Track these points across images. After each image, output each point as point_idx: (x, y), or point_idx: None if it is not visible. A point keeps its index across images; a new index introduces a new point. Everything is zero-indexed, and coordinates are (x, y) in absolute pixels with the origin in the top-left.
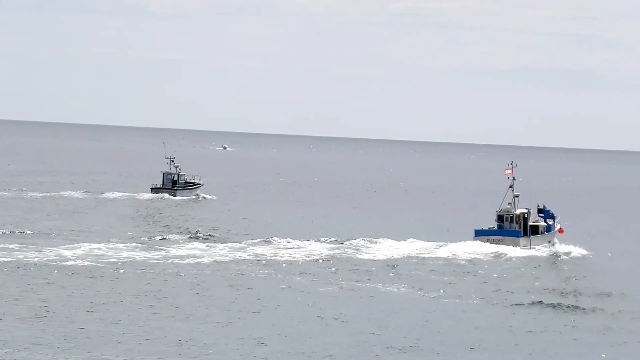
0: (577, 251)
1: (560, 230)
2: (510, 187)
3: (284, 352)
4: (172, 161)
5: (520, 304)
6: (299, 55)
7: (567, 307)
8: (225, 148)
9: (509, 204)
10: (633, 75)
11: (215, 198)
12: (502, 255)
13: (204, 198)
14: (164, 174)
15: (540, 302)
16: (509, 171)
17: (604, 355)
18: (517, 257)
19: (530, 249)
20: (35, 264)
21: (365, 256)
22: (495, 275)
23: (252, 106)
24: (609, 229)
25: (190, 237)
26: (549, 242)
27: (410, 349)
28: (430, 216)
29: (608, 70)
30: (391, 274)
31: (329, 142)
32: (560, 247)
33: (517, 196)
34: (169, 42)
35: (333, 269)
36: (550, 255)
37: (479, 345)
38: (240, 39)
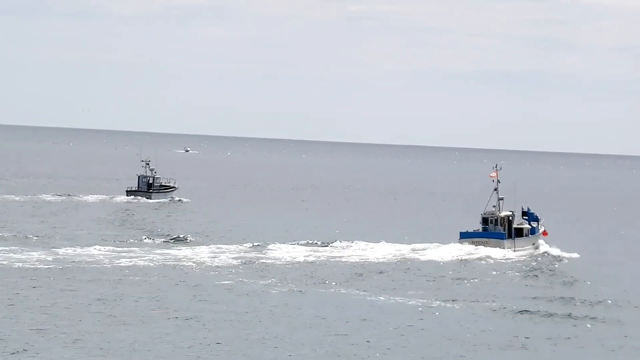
0: (560, 253)
1: (544, 233)
2: (495, 190)
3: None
4: (148, 164)
5: (505, 307)
6: (259, 57)
7: (553, 309)
8: (187, 151)
9: (494, 206)
10: (589, 78)
11: (190, 201)
12: (487, 257)
13: (180, 201)
14: (139, 177)
15: (526, 305)
16: (494, 174)
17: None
18: (502, 259)
19: (515, 251)
20: (15, 268)
21: (348, 259)
22: (481, 278)
23: (212, 109)
24: (585, 230)
25: (169, 240)
26: (533, 244)
27: (395, 354)
28: (412, 219)
29: (565, 73)
30: (374, 277)
31: (291, 144)
32: (545, 249)
33: (502, 199)
34: (129, 44)
35: (313, 272)
36: (534, 257)
37: (462, 349)
38: (199, 41)
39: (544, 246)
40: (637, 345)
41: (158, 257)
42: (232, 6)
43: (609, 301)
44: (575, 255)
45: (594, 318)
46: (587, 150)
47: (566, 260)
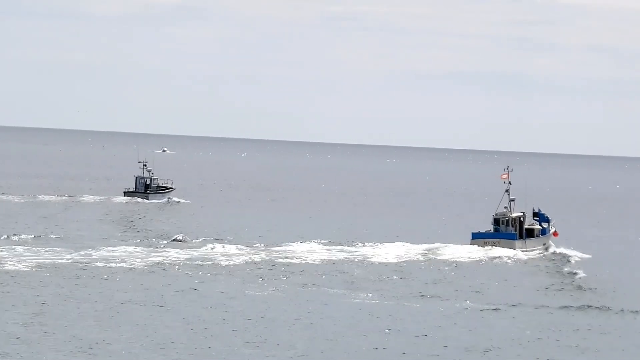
0: (571, 253)
1: (555, 234)
2: (506, 191)
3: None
4: (145, 165)
5: (518, 306)
6: (237, 59)
7: (566, 308)
8: (164, 151)
9: (505, 207)
10: (567, 78)
11: (188, 202)
12: (499, 257)
13: (177, 202)
14: (136, 177)
15: (539, 304)
16: (505, 176)
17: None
18: (513, 260)
19: (526, 251)
20: (18, 269)
21: (362, 259)
22: (494, 279)
23: (189, 110)
24: (593, 232)
25: (172, 241)
26: (544, 244)
27: (406, 354)
28: (422, 219)
29: (544, 74)
30: (389, 277)
31: (270, 145)
32: (555, 250)
33: (513, 200)
34: (106, 45)
35: (318, 272)
36: (545, 257)
37: (475, 349)
38: (177, 41)
39: (554, 247)
40: None
41: (160, 258)
42: (210, 6)
43: (622, 301)
44: (586, 255)
45: (608, 318)
46: (565, 151)
47: (577, 261)
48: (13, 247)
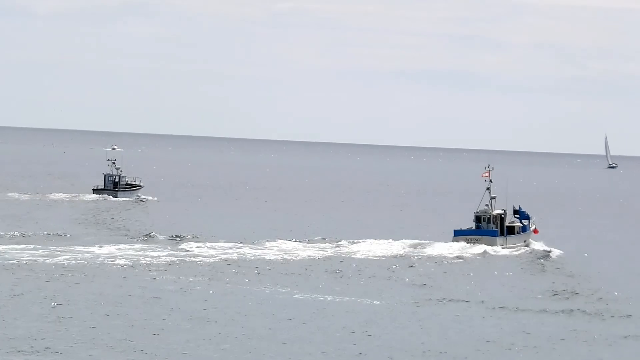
0: (551, 250)
1: (535, 231)
2: (487, 189)
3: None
4: (114, 163)
5: (502, 304)
6: (184, 55)
7: (548, 305)
8: (114, 148)
9: (486, 205)
10: (511, 75)
11: (156, 199)
12: (481, 254)
13: (145, 199)
14: (105, 175)
15: (521, 301)
16: (486, 174)
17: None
18: (495, 257)
19: (507, 248)
20: None
21: (343, 257)
22: (476, 275)
23: (135, 107)
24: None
25: (143, 238)
26: (525, 241)
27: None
28: (404, 217)
29: (487, 71)
30: (371, 275)
31: (216, 142)
32: (536, 247)
33: (494, 198)
34: (50, 43)
35: (289, 269)
36: (526, 254)
37: (457, 349)
38: (123, 39)
39: (534, 244)
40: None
41: (135, 255)
42: (155, 3)
43: (601, 295)
44: (563, 252)
45: (588, 312)
46: (509, 148)
47: (556, 257)
48: None
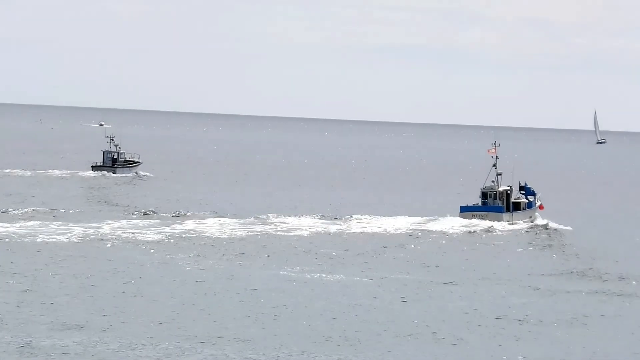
0: (556, 226)
1: (541, 207)
2: (494, 165)
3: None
4: (112, 140)
5: (511, 280)
6: (166, 31)
7: (555, 281)
8: (101, 125)
9: (492, 181)
10: (498, 50)
11: (153, 176)
12: (487, 230)
13: (144, 175)
14: (104, 152)
15: (529, 277)
16: (493, 151)
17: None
18: (502, 232)
19: (513, 224)
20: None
21: (347, 234)
22: (483, 251)
23: (121, 83)
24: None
25: (144, 214)
26: (530, 217)
27: (402, 334)
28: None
29: (473, 46)
30: (378, 251)
31: (194, 118)
32: (541, 222)
33: (500, 174)
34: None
35: (298, 247)
36: (532, 229)
37: (468, 327)
38: (101, 15)
39: (539, 219)
40: None
41: (135, 231)
42: None
43: (608, 271)
44: (568, 227)
45: (597, 289)
46: (498, 123)
47: (562, 232)
48: None
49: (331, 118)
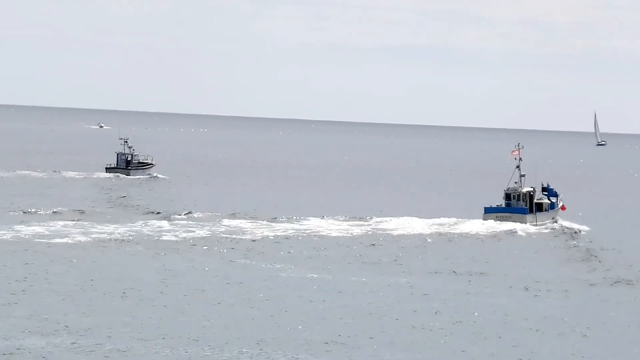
0: (578, 226)
1: (563, 208)
2: (517, 167)
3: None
4: (126, 142)
5: (537, 283)
6: (160, 30)
7: (582, 281)
8: (101, 127)
9: (516, 182)
10: (495, 51)
11: (168, 178)
12: (512, 231)
13: (157, 177)
14: (117, 154)
15: (556, 279)
16: (516, 152)
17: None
18: (526, 233)
19: (537, 225)
20: (9, 243)
21: (372, 235)
22: (509, 252)
23: (122, 84)
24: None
25: (161, 215)
26: (553, 218)
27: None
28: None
29: (471, 47)
30: (406, 253)
31: (196, 119)
32: (563, 223)
33: (524, 176)
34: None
35: (323, 249)
36: (555, 230)
37: (490, 328)
38: (103, 14)
39: (562, 220)
40: None
41: (151, 232)
42: None
43: (631, 270)
44: (591, 229)
45: (623, 286)
46: (491, 125)
47: (583, 233)
48: (3, 223)
49: (331, 120)
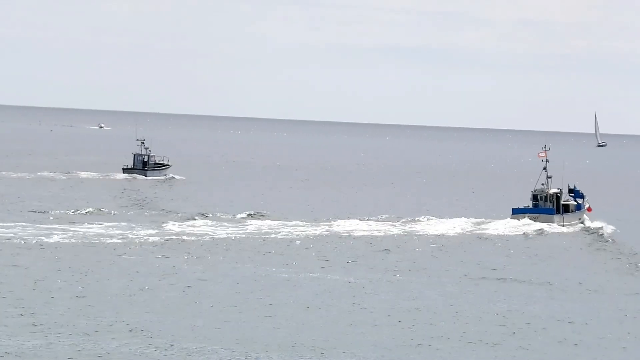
0: (605, 227)
1: (589, 209)
2: (544, 168)
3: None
4: (143, 143)
5: (568, 284)
6: (160, 30)
7: (613, 282)
8: (101, 127)
9: (543, 184)
10: (496, 52)
11: (185, 178)
12: (540, 232)
13: (174, 178)
14: (134, 155)
15: (588, 279)
16: (543, 154)
17: None
18: (554, 234)
19: (564, 225)
20: (28, 243)
21: (400, 235)
22: (538, 253)
23: (118, 84)
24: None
25: (179, 216)
26: (579, 219)
27: (456, 337)
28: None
29: (472, 47)
30: (436, 254)
31: (196, 120)
32: (590, 224)
33: (550, 177)
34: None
35: (351, 249)
36: (582, 231)
37: (521, 328)
38: (101, 15)
39: (588, 221)
40: None
41: (169, 233)
42: None
43: None
44: (618, 230)
45: None
46: (491, 126)
47: (611, 234)
48: (20, 224)
49: (332, 120)
